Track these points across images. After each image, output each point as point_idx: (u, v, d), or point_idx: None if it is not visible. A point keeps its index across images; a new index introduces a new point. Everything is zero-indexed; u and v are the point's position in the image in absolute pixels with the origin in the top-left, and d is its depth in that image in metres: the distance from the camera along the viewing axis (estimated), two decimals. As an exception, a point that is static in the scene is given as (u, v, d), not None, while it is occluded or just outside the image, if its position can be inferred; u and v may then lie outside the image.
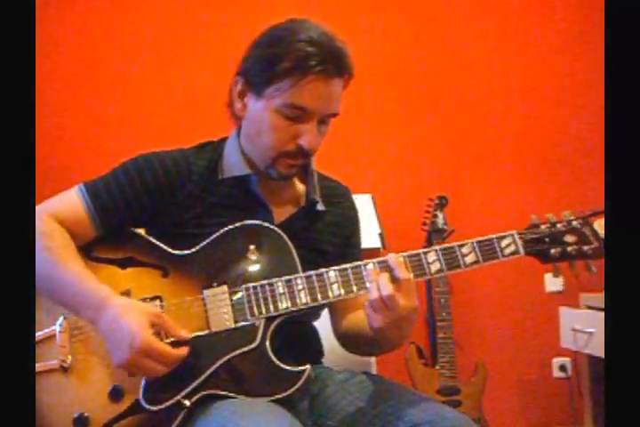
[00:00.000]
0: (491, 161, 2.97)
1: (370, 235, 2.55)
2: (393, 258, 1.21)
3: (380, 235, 2.65)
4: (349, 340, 1.42)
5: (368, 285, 1.20)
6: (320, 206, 1.40)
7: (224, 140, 1.42)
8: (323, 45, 1.25)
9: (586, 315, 2.38)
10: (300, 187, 1.44)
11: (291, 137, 1.28)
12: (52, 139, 2.72)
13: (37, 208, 1.30)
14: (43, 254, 1.25)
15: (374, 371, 2.29)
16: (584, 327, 2.31)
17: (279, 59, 1.25)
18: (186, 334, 1.21)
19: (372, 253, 2.50)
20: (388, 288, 1.16)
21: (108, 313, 1.19)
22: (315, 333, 1.46)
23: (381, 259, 1.23)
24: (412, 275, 1.20)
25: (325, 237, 1.41)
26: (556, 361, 2.90)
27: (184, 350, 1.19)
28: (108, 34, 2.83)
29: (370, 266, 1.23)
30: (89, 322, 1.23)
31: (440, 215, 2.66)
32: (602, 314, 2.23)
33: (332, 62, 1.25)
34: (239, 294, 1.24)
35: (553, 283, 2.86)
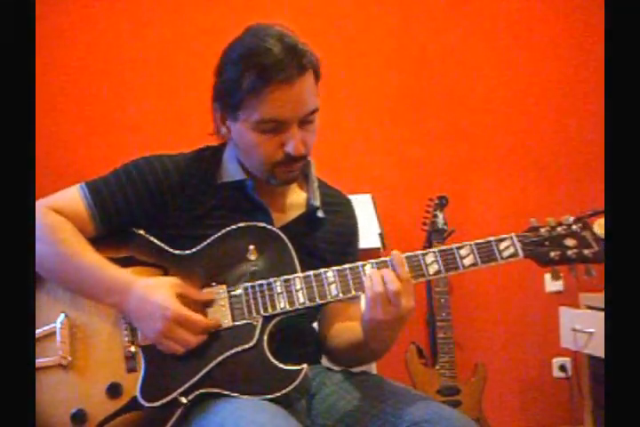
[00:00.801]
0: (491, 161, 2.97)
1: (370, 235, 2.55)
2: (396, 256, 1.21)
3: (380, 235, 2.65)
4: (333, 347, 1.41)
5: (366, 279, 1.20)
6: (320, 213, 1.40)
7: (224, 145, 1.43)
8: (277, 52, 1.23)
9: (586, 315, 2.38)
10: (301, 193, 1.44)
11: (277, 147, 1.28)
12: (52, 139, 2.72)
13: (38, 202, 1.30)
14: (55, 247, 1.26)
15: (374, 371, 2.30)
16: (584, 327, 2.31)
17: (239, 80, 1.25)
18: (209, 295, 1.24)
19: (372, 253, 2.50)
20: (395, 284, 1.16)
21: (134, 295, 1.22)
22: (313, 333, 1.46)
23: (380, 259, 1.23)
24: (410, 276, 1.21)
25: (324, 244, 1.41)
26: (556, 361, 2.90)
27: (212, 322, 1.22)
28: (110, 34, 2.84)
29: (368, 267, 1.23)
30: (113, 307, 1.25)
31: (440, 215, 2.66)
32: (602, 314, 2.23)
33: (292, 65, 1.24)
34: (237, 293, 1.25)
35: (553, 283, 2.85)
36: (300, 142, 1.28)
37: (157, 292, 1.22)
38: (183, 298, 1.22)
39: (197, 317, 1.21)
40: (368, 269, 1.23)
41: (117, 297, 1.23)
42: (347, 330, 1.38)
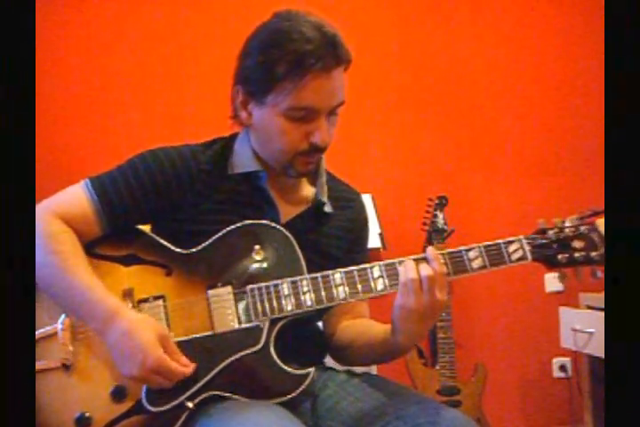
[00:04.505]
0: (491, 161, 2.97)
1: (370, 235, 2.54)
2: (431, 251, 1.20)
3: (380, 235, 2.65)
4: (344, 345, 1.39)
5: (400, 267, 1.19)
6: (328, 208, 1.39)
7: (235, 135, 1.40)
8: (316, 40, 1.21)
9: (586, 315, 2.38)
10: (310, 188, 1.42)
11: (302, 137, 1.26)
12: (52, 136, 2.71)
13: (41, 206, 1.28)
14: (50, 258, 1.23)
15: (374, 371, 2.30)
16: (584, 327, 2.31)
17: (274, 64, 1.22)
18: (186, 361, 1.20)
19: (372, 253, 2.50)
20: (429, 270, 1.16)
21: (117, 327, 1.18)
22: (318, 332, 1.45)
23: (389, 261, 1.22)
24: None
25: (332, 240, 1.40)
26: (556, 361, 2.90)
27: (190, 369, 1.19)
28: (109, 33, 2.83)
29: (376, 269, 1.22)
30: (95, 333, 1.22)
31: (440, 215, 2.66)
32: (602, 314, 2.23)
33: (329, 55, 1.22)
34: (244, 295, 1.23)
35: (553, 283, 2.86)
36: (327, 133, 1.27)
37: (140, 332, 1.17)
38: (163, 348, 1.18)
39: (176, 367, 1.17)
40: (376, 271, 1.22)
41: (100, 325, 1.20)
42: (359, 327, 1.36)
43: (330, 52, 1.22)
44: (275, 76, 1.23)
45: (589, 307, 2.47)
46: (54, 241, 1.24)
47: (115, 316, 1.19)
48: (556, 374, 2.91)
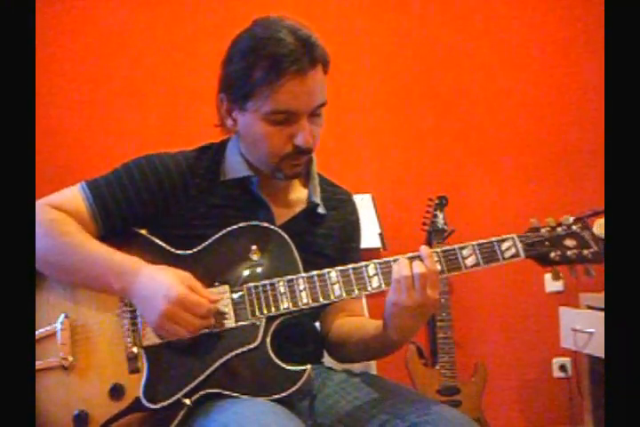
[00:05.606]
0: (491, 161, 2.97)
1: (370, 235, 2.55)
2: (425, 249, 1.21)
3: (380, 235, 2.65)
4: (338, 342, 1.41)
5: (394, 264, 1.20)
6: (321, 209, 1.41)
7: (226, 141, 1.43)
8: (291, 44, 1.23)
9: (586, 315, 2.38)
10: (302, 190, 1.44)
11: (286, 140, 1.28)
12: (52, 139, 2.72)
13: (38, 202, 1.30)
14: (59, 240, 1.26)
15: (374, 371, 2.29)
16: (584, 327, 2.31)
17: (252, 70, 1.25)
18: (213, 297, 1.23)
19: (372, 253, 2.50)
20: (422, 268, 1.17)
21: (143, 276, 1.21)
22: (315, 332, 1.46)
23: (384, 260, 1.23)
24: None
25: (326, 240, 1.42)
26: (556, 361, 2.90)
27: (216, 304, 1.21)
28: (109, 33, 2.83)
29: (371, 267, 1.23)
30: (122, 291, 1.23)
31: (440, 215, 2.66)
32: (602, 314, 2.23)
33: (304, 57, 1.24)
34: (240, 294, 1.25)
35: (553, 283, 2.86)
36: (309, 134, 1.28)
37: (165, 274, 1.21)
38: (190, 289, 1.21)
39: (201, 299, 1.19)
40: (371, 269, 1.23)
41: (127, 279, 1.22)
42: (353, 324, 1.37)
43: (304, 54, 1.24)
44: (253, 82, 1.25)
45: (589, 307, 2.47)
46: (58, 224, 1.27)
47: (141, 268, 1.23)
48: (556, 374, 2.90)
